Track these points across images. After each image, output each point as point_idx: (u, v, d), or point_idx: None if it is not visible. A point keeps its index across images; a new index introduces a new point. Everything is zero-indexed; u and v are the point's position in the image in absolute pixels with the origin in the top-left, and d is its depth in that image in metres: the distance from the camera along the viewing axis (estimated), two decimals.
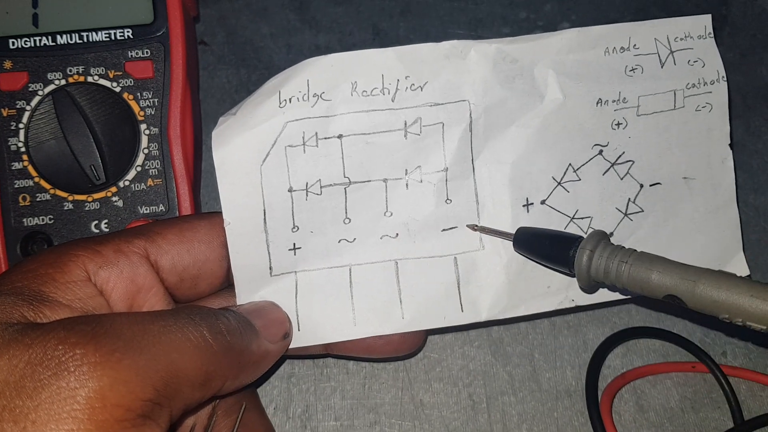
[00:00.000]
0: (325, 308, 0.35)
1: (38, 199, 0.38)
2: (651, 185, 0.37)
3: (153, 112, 0.38)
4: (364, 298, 0.35)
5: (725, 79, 0.37)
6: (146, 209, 0.38)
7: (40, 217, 0.38)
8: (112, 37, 0.38)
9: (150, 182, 0.38)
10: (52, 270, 0.29)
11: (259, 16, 0.45)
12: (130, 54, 0.38)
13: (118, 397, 0.23)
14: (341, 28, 0.45)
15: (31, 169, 0.37)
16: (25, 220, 0.37)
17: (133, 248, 0.31)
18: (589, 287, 0.33)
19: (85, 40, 0.38)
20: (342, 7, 0.45)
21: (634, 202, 0.37)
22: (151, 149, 0.38)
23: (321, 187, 0.35)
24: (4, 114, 0.38)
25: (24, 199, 0.38)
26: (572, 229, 0.36)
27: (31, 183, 0.38)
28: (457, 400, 0.40)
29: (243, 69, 0.44)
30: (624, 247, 0.32)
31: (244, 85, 0.44)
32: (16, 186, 0.38)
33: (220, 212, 0.34)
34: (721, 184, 0.38)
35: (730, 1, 0.46)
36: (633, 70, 0.36)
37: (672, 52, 0.37)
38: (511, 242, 0.35)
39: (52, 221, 0.38)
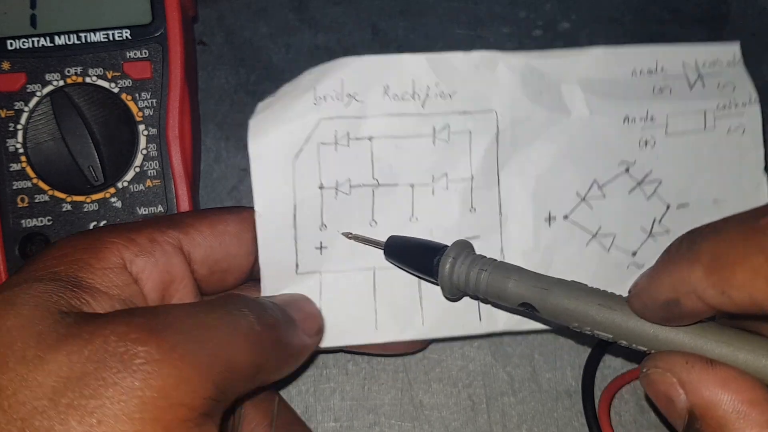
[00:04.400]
0: (347, 311, 0.35)
1: (36, 201, 0.37)
2: (678, 206, 0.37)
3: (151, 113, 0.38)
4: (387, 302, 0.35)
5: (758, 101, 0.37)
6: (145, 210, 0.38)
7: (39, 219, 0.37)
8: (110, 38, 0.38)
9: (149, 183, 0.38)
10: (87, 255, 0.28)
11: (258, 16, 0.45)
12: (128, 54, 0.38)
13: (181, 396, 0.23)
14: (340, 27, 0.44)
15: (29, 170, 0.37)
16: (23, 221, 0.37)
17: (168, 239, 0.30)
18: (452, 295, 0.33)
19: (83, 40, 0.38)
20: (341, 7, 0.45)
21: (660, 223, 0.37)
22: (149, 150, 0.38)
23: (350, 186, 0.35)
24: (2, 115, 0.37)
25: (22, 200, 0.37)
26: (594, 247, 0.36)
27: (29, 184, 0.37)
28: (456, 401, 0.40)
29: (242, 69, 0.44)
30: (485, 256, 0.32)
31: (243, 85, 0.44)
32: (14, 187, 0.37)
33: (247, 207, 0.34)
34: (754, 207, 0.37)
35: (730, 0, 0.45)
36: (661, 90, 0.36)
37: (701, 76, 0.37)
38: (383, 251, 0.34)
39: (51, 222, 0.37)
